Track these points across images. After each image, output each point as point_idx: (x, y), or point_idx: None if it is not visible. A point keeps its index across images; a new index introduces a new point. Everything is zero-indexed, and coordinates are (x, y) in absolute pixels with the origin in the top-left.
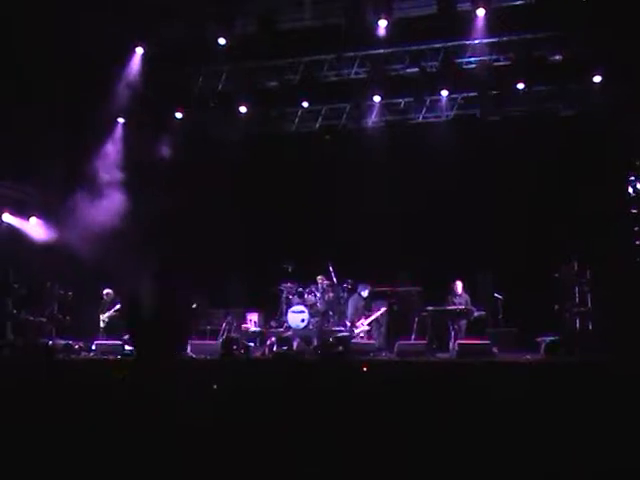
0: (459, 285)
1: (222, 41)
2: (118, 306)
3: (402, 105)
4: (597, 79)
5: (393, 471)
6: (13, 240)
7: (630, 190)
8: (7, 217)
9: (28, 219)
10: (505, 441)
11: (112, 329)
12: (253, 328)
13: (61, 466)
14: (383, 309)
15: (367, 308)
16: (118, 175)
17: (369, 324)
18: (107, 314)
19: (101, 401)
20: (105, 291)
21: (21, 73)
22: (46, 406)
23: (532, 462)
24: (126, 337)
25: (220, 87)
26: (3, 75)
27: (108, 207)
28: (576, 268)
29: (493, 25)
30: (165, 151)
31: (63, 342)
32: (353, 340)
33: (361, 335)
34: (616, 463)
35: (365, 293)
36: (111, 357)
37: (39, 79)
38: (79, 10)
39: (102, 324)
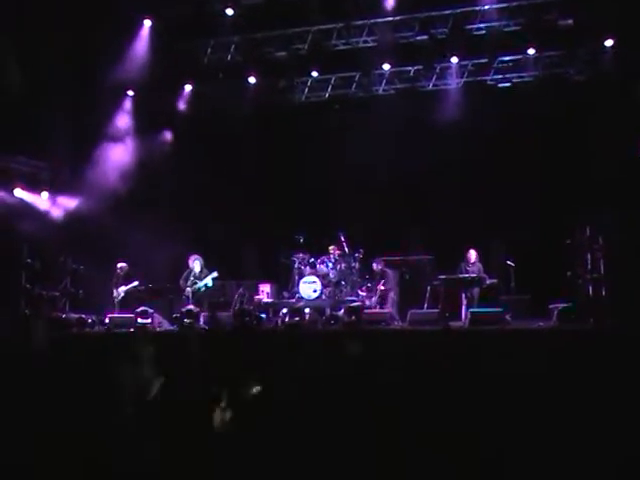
0: (473, 253)
1: (230, 12)
2: (136, 283)
3: (412, 73)
4: (608, 43)
5: (406, 443)
6: (26, 215)
7: None
8: (19, 192)
9: (40, 194)
10: (520, 410)
11: (128, 303)
12: (265, 299)
13: (72, 442)
14: (383, 281)
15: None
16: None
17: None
18: (123, 288)
19: (115, 375)
20: (119, 265)
21: (29, 47)
22: (59, 380)
23: (546, 431)
24: (139, 310)
25: (229, 58)
26: (11, 50)
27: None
28: (588, 234)
29: None
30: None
31: (76, 316)
32: (365, 310)
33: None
34: (630, 432)
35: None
36: (124, 330)
37: (47, 53)
38: None
39: (117, 298)
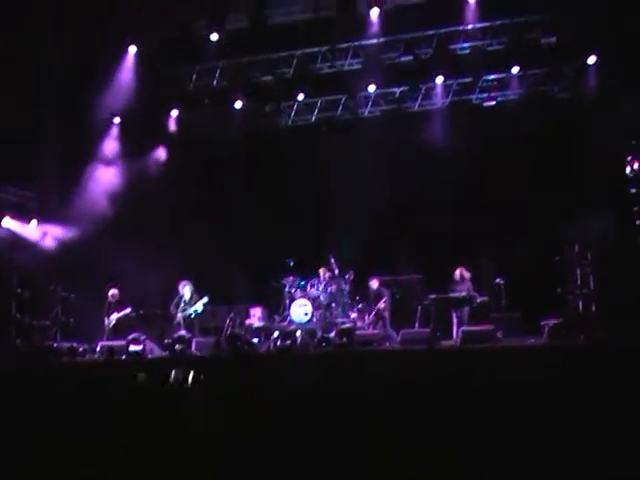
0: (460, 272)
1: (214, 37)
2: (128, 310)
3: (397, 94)
4: (591, 60)
5: (401, 460)
6: (14, 244)
7: (628, 170)
8: (7, 221)
9: (28, 223)
10: (513, 426)
11: (119, 330)
12: (257, 323)
13: (68, 467)
14: (382, 301)
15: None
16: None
17: (372, 317)
18: (115, 315)
19: (107, 402)
20: (110, 292)
21: (15, 76)
22: (52, 409)
23: (539, 447)
24: (131, 337)
25: (215, 83)
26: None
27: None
28: (577, 250)
29: (485, 10)
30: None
31: (67, 345)
32: (356, 331)
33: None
34: (623, 447)
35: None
36: (116, 358)
37: (33, 81)
38: (70, 11)
39: (109, 325)
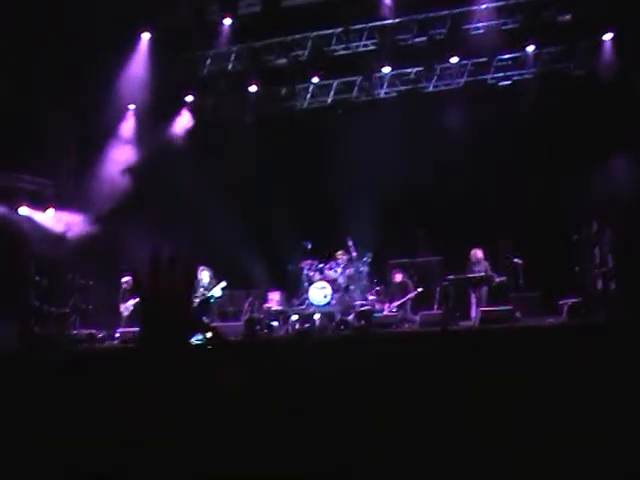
0: (479, 252)
1: (228, 22)
2: None
3: (412, 75)
4: (607, 37)
5: (419, 445)
6: (32, 233)
7: None
8: (25, 210)
9: (45, 211)
10: (533, 407)
11: (136, 317)
12: (275, 307)
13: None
14: (412, 294)
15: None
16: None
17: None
18: (131, 302)
19: (126, 388)
20: (124, 279)
21: (29, 63)
22: (72, 396)
23: (559, 427)
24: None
25: (229, 68)
26: (12, 68)
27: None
28: (595, 228)
29: None
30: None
31: (86, 332)
32: (375, 314)
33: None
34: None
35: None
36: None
37: (47, 69)
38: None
39: (126, 312)
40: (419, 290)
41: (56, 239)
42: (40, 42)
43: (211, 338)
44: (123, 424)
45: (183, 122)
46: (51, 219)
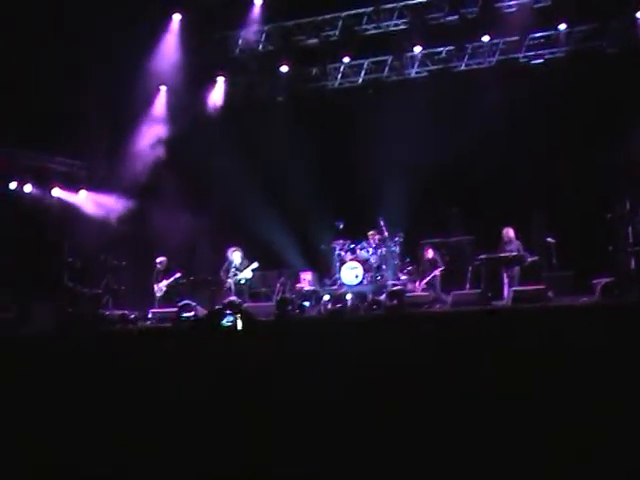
0: (510, 232)
1: (258, 1)
2: (178, 274)
3: (443, 54)
4: None
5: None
6: (65, 214)
7: None
8: (57, 191)
9: (78, 192)
10: (569, 387)
11: (170, 297)
12: (307, 287)
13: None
14: (438, 271)
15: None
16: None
17: (424, 284)
18: (165, 282)
19: (158, 367)
20: (159, 259)
21: (62, 47)
22: (104, 377)
23: (595, 407)
24: (182, 304)
25: (260, 48)
26: (45, 51)
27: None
28: (629, 207)
29: None
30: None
31: (119, 312)
32: (407, 293)
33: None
34: None
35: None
36: (167, 325)
37: (79, 51)
38: None
39: (159, 293)
40: (441, 269)
41: (89, 220)
42: (72, 24)
43: (242, 320)
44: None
45: (215, 102)
46: (83, 200)
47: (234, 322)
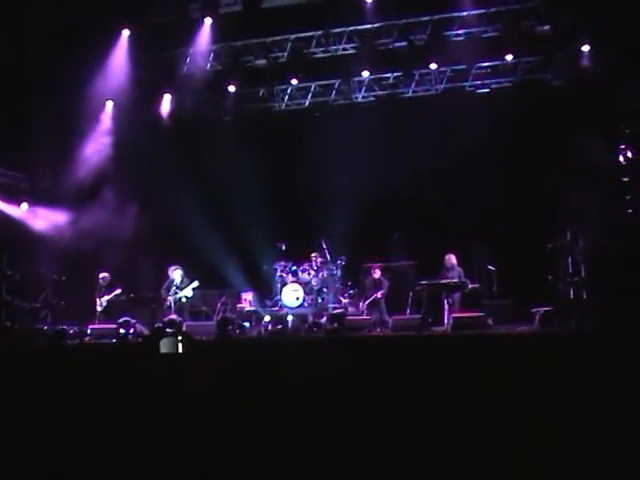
0: (452, 258)
1: (208, 21)
2: (118, 290)
3: (391, 80)
4: (585, 48)
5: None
6: (5, 226)
7: (621, 158)
8: None
9: (19, 205)
10: (503, 414)
11: (110, 313)
12: (248, 307)
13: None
14: (381, 291)
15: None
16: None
17: (367, 304)
18: (105, 298)
19: (96, 387)
20: (101, 275)
21: (7, 57)
22: (42, 394)
23: (528, 434)
24: (122, 320)
25: (208, 67)
26: None
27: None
28: (569, 238)
29: None
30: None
31: (58, 327)
32: (348, 317)
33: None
34: (613, 435)
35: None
36: (105, 341)
37: (26, 63)
38: None
39: (99, 308)
40: (381, 291)
41: (29, 233)
42: (21, 37)
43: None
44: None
45: (161, 119)
46: (25, 213)
47: (174, 344)
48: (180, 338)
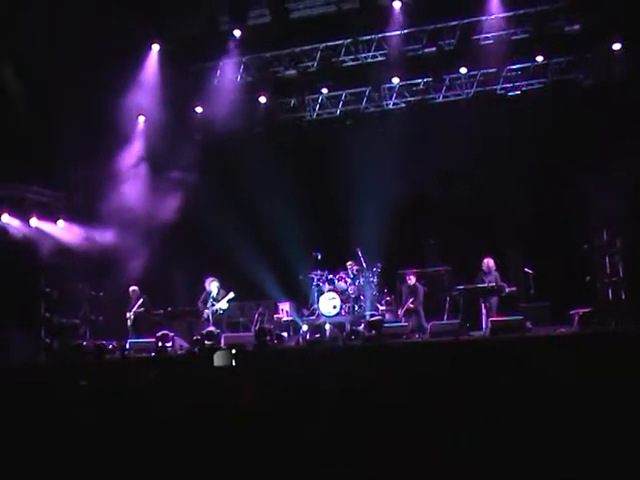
0: (490, 262)
1: (237, 33)
2: (141, 301)
3: (421, 85)
4: (616, 47)
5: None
6: (42, 244)
7: None
8: (35, 221)
9: (56, 222)
10: (544, 418)
11: (139, 326)
12: (285, 318)
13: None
14: (413, 299)
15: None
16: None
17: (404, 311)
18: (132, 311)
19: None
20: (131, 288)
21: (40, 76)
22: (82, 408)
23: (570, 437)
24: (160, 334)
25: (238, 79)
26: (25, 78)
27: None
28: (606, 238)
29: None
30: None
31: (97, 343)
32: (385, 324)
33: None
34: None
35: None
36: (144, 355)
37: (58, 82)
38: (94, 10)
39: (129, 322)
40: (412, 303)
41: (66, 250)
42: (50, 53)
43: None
44: None
45: (192, 132)
46: (61, 230)
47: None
48: (234, 351)
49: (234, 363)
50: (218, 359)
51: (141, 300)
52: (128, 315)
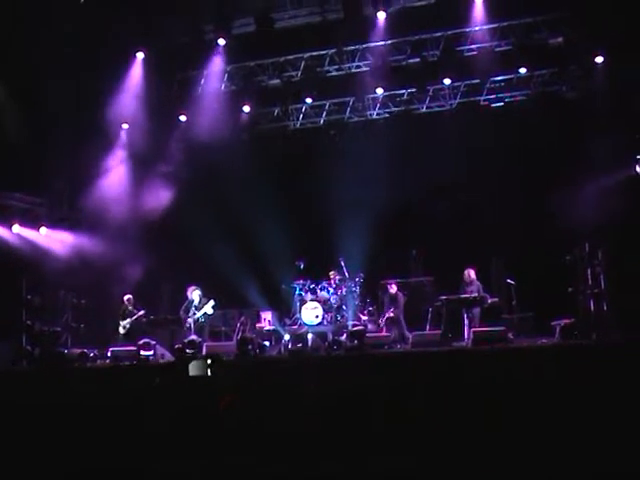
0: (472, 272)
1: (222, 42)
2: (142, 312)
3: (405, 96)
4: (599, 60)
5: (414, 459)
6: (24, 251)
7: (638, 169)
8: (17, 228)
9: (38, 229)
10: (525, 427)
11: (132, 335)
12: (267, 327)
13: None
14: (394, 309)
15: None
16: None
17: (385, 321)
18: (129, 320)
19: (115, 407)
20: (126, 297)
21: (24, 84)
22: (62, 415)
23: (550, 447)
24: (141, 342)
25: (222, 88)
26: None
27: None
28: (587, 250)
29: (492, 11)
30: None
31: (78, 350)
32: (367, 334)
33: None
34: (633, 445)
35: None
36: (127, 363)
37: (42, 89)
38: (79, 18)
39: (122, 330)
40: (392, 312)
41: (49, 257)
42: (37, 59)
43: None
44: None
45: (176, 141)
46: (43, 238)
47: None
48: (209, 360)
49: (209, 373)
50: (194, 369)
51: (142, 312)
52: (122, 323)
